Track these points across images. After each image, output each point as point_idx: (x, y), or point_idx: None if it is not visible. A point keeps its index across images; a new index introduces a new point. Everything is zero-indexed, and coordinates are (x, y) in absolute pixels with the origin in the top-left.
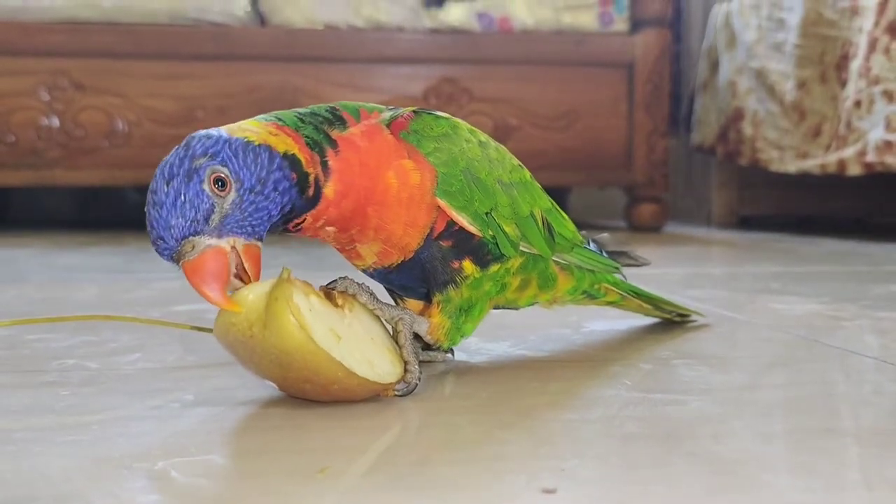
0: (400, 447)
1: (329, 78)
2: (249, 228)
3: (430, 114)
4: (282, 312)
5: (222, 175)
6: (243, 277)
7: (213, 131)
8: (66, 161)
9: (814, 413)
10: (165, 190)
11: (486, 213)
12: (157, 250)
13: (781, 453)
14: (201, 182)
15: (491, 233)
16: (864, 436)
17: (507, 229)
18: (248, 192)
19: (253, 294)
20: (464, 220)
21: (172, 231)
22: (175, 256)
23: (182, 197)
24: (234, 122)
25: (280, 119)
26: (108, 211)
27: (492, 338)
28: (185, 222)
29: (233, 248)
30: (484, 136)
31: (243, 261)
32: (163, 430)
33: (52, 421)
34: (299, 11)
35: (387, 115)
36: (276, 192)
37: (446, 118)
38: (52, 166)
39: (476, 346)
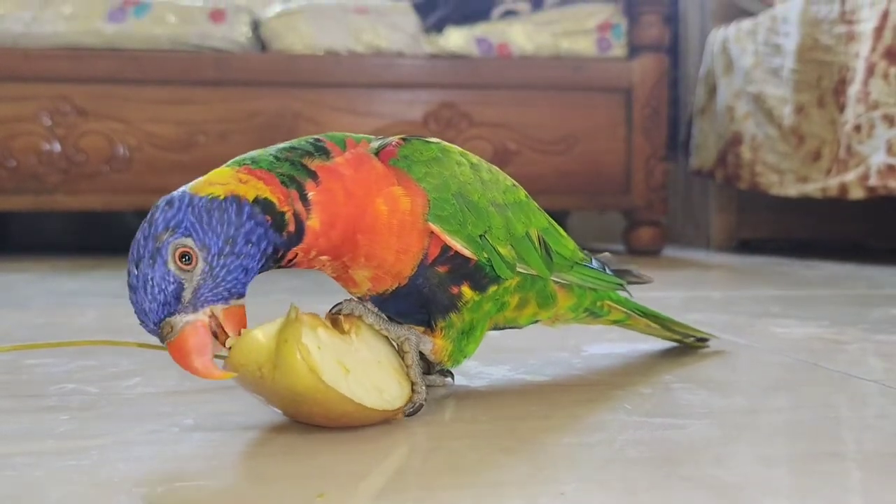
0: (400, 472)
1: (329, 103)
2: (226, 293)
3: (419, 139)
4: (291, 355)
5: (187, 249)
6: (221, 337)
7: (177, 194)
8: (66, 186)
9: (815, 437)
10: (136, 273)
11: (480, 236)
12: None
13: (783, 478)
14: (165, 263)
15: (486, 255)
16: (866, 460)
17: (501, 251)
18: (216, 257)
19: (263, 334)
20: (458, 245)
21: (149, 315)
22: (159, 336)
23: (150, 281)
24: (234, 147)
25: (254, 161)
26: (108, 236)
27: (492, 362)
28: (158, 307)
29: (212, 316)
30: (476, 159)
31: (224, 326)
32: (162, 455)
33: (51, 445)
34: (300, 38)
35: (375, 144)
36: (250, 245)
37: (436, 142)
38: (52, 191)
39: (476, 371)
